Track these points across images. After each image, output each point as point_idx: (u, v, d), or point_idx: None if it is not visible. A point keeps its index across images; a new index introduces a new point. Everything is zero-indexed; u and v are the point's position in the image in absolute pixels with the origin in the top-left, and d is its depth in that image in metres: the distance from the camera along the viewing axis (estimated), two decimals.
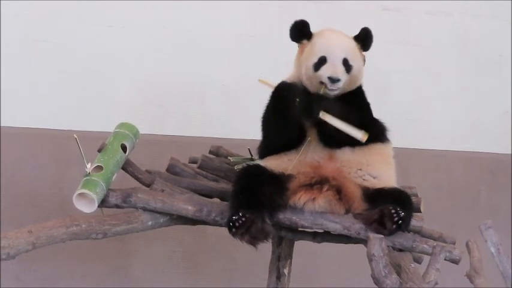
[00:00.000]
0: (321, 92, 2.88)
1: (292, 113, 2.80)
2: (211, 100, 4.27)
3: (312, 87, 2.94)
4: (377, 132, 2.98)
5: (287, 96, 2.82)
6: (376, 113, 3.04)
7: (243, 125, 4.15)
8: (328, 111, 2.76)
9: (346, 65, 2.91)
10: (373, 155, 2.93)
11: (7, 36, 4.03)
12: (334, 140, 2.85)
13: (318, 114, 2.75)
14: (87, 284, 4.13)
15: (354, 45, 2.95)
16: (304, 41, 2.97)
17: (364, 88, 3.09)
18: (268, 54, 4.09)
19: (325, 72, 2.87)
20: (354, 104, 2.90)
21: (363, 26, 2.98)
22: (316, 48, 2.93)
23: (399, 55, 4.49)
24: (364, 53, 3.28)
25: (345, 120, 2.78)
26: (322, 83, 2.89)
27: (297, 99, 2.78)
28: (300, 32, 2.97)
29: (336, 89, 2.88)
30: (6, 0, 4.01)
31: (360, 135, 2.76)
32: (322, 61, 2.90)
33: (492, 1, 4.56)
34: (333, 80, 2.85)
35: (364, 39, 2.97)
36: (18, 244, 2.47)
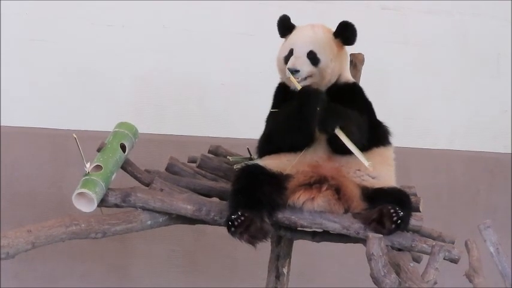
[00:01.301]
0: (293, 82, 2.90)
1: (309, 121, 2.79)
2: (211, 99, 4.27)
3: (285, 80, 2.99)
4: (379, 137, 2.99)
5: (308, 103, 2.81)
6: (376, 113, 3.05)
7: (242, 125, 4.15)
8: (344, 128, 2.76)
9: (313, 57, 2.93)
10: (374, 157, 2.93)
11: (7, 36, 4.02)
12: (345, 151, 2.84)
13: (334, 130, 2.75)
14: (87, 283, 4.13)
15: (326, 40, 2.96)
16: (288, 35, 3.02)
17: (364, 87, 3.09)
18: (267, 54, 4.07)
19: (288, 63, 2.91)
20: (357, 106, 2.90)
21: (341, 21, 2.98)
22: (288, 41, 3.01)
23: (399, 54, 4.49)
24: (363, 53, 3.29)
25: (358, 131, 2.80)
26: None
27: (318, 109, 2.77)
28: (283, 26, 3.03)
29: (300, 80, 2.90)
30: (6, 0, 4.01)
31: (366, 163, 2.76)
32: (290, 53, 2.95)
33: (492, 1, 4.56)
34: (292, 71, 2.89)
35: (342, 33, 2.97)
36: (17, 243, 2.47)
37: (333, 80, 2.98)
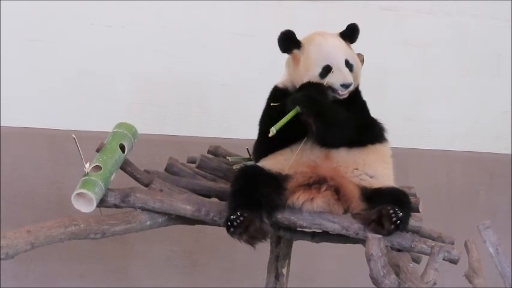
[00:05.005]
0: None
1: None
2: (210, 100, 4.27)
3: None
4: (374, 133, 2.99)
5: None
6: (375, 113, 3.05)
7: (242, 125, 4.15)
8: (305, 110, 2.77)
9: (348, 65, 2.94)
10: (370, 155, 2.94)
11: (6, 36, 4.02)
12: (327, 140, 2.85)
13: (292, 107, 2.78)
14: (86, 283, 4.13)
15: (345, 44, 2.99)
16: (295, 51, 2.98)
17: (363, 88, 3.09)
18: (267, 54, 4.09)
19: (336, 80, 2.90)
20: (352, 104, 2.91)
21: (350, 23, 3.00)
22: (314, 57, 2.95)
23: (398, 55, 4.49)
24: (363, 53, 3.29)
25: (338, 121, 2.82)
26: (331, 90, 2.91)
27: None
28: (289, 42, 2.98)
29: (346, 93, 2.92)
30: (6, 0, 4.01)
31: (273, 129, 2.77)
32: (327, 70, 2.92)
33: (491, 1, 4.56)
34: (346, 86, 2.90)
35: (350, 34, 3.00)
36: (17, 244, 2.47)
37: (357, 84, 3.00)
